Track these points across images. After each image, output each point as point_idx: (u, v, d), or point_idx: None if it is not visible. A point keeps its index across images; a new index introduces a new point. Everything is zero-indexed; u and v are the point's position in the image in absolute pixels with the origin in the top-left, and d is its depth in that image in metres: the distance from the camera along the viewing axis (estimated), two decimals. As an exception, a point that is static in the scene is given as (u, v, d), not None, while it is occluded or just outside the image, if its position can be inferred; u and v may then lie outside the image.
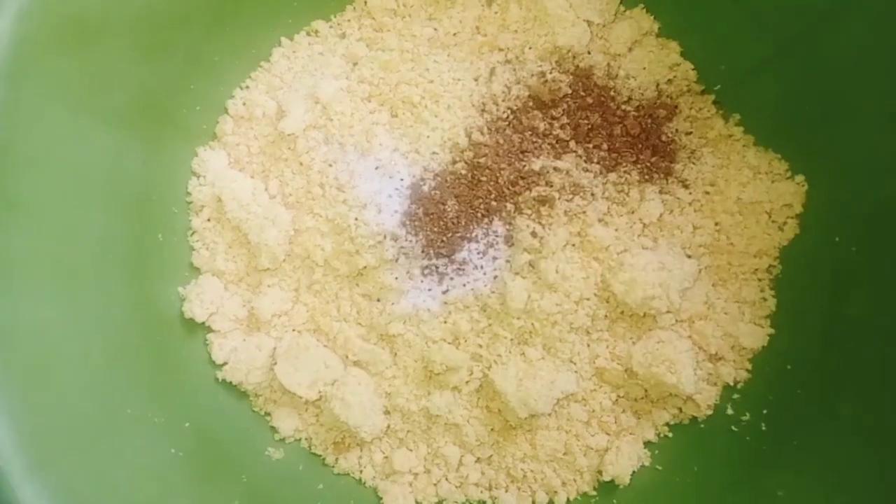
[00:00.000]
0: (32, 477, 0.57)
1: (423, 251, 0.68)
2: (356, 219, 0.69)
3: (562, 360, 0.69)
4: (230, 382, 0.71)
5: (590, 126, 0.72)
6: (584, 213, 0.70)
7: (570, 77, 0.73)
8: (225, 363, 0.71)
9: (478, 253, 0.69)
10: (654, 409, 0.70)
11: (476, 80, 0.74)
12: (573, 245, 0.69)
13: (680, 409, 0.71)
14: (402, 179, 0.70)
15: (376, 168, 0.70)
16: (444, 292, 0.69)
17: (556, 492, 0.70)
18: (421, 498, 0.70)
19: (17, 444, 0.57)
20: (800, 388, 0.66)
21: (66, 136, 0.64)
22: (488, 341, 0.69)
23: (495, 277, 0.69)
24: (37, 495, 0.56)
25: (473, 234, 0.69)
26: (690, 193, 0.72)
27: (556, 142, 0.71)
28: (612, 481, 0.69)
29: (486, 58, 0.74)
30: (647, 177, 0.72)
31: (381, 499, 0.70)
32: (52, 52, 0.61)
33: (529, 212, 0.69)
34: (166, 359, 0.69)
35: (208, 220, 0.73)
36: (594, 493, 0.70)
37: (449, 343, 0.69)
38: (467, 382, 0.70)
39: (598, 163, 0.71)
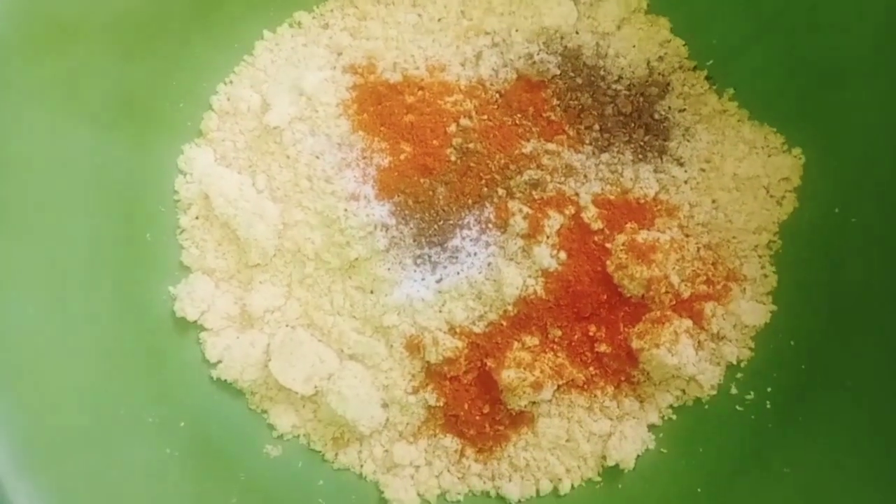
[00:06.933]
0: (26, 480, 0.56)
1: (414, 240, 0.67)
2: (345, 210, 0.68)
3: (560, 345, 0.68)
4: (225, 381, 0.70)
5: (580, 107, 0.71)
6: (577, 195, 0.69)
7: (559, 58, 0.72)
8: (219, 361, 0.70)
9: (470, 240, 0.68)
10: (656, 391, 0.69)
11: (463, 64, 0.73)
12: (567, 228, 0.68)
13: (683, 391, 0.69)
14: (390, 168, 0.69)
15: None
16: (438, 281, 0.68)
17: (560, 479, 0.69)
18: (423, 490, 0.69)
19: (10, 448, 0.57)
20: (803, 364, 0.65)
21: (49, 138, 0.63)
22: (484, 329, 0.68)
23: (489, 264, 0.68)
24: (30, 498, 0.56)
25: (465, 221, 0.68)
26: (686, 171, 0.71)
27: (547, 124, 0.70)
28: (616, 466, 0.68)
29: (473, 42, 0.73)
30: (640, 156, 0.71)
31: (382, 493, 0.69)
32: (28, 53, 0.61)
33: (521, 196, 0.68)
34: (159, 359, 0.68)
35: (196, 217, 0.73)
36: (599, 478, 0.69)
37: (445, 332, 0.68)
38: (465, 372, 0.68)
39: (590, 144, 0.70)
